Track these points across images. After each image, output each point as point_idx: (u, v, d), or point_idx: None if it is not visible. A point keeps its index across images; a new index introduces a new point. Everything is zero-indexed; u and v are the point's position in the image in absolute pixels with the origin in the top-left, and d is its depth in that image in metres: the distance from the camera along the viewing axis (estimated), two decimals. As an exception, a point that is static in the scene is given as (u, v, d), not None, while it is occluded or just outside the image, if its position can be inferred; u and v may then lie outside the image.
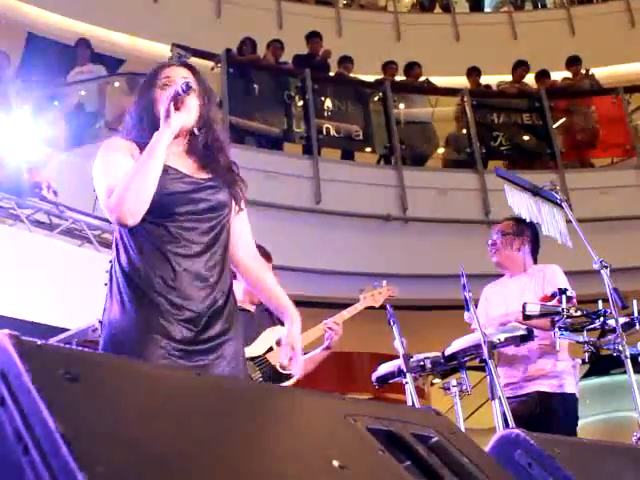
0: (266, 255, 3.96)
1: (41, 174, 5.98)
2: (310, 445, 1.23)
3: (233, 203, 2.55)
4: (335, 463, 1.16)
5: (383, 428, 1.38)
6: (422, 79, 10.51)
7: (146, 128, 2.47)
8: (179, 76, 2.48)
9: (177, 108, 2.39)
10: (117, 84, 8.94)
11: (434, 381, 7.11)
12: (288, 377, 3.84)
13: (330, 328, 4.04)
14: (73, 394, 0.97)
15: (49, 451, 0.87)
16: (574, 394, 3.99)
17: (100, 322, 2.50)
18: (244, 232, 2.65)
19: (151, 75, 2.57)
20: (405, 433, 1.40)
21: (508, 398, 3.64)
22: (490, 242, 4.28)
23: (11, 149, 5.73)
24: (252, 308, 3.98)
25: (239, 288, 3.86)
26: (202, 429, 1.10)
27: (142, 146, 2.41)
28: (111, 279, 2.43)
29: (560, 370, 3.98)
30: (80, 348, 1.19)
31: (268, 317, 4.00)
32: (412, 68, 10.41)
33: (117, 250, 2.44)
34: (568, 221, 3.98)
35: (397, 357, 3.90)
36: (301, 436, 1.26)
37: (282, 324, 3.97)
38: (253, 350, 3.79)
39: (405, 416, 1.49)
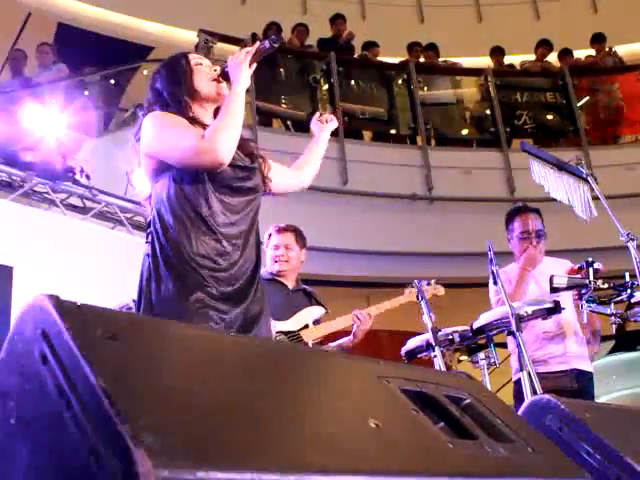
0: (302, 238, 4.04)
1: (74, 159, 6.09)
2: (346, 405, 1.23)
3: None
4: (371, 422, 1.16)
5: (416, 389, 1.38)
6: (442, 60, 10.53)
7: (176, 100, 2.54)
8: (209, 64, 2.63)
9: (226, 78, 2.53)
10: (145, 72, 9.01)
11: (461, 358, 7.15)
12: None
13: (358, 317, 4.03)
14: (112, 352, 0.99)
15: (91, 406, 0.89)
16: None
17: (135, 302, 2.47)
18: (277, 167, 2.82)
19: (180, 57, 2.65)
20: (438, 394, 1.40)
21: (540, 374, 3.61)
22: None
23: (45, 135, 5.84)
24: (290, 285, 4.00)
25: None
26: (240, 386, 1.10)
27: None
28: (153, 259, 2.42)
29: (585, 350, 4.09)
30: (117, 310, 1.23)
31: (304, 297, 4.05)
32: (428, 50, 10.44)
33: (156, 232, 2.45)
34: (595, 198, 3.93)
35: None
36: (337, 396, 1.26)
37: (318, 304, 4.05)
38: (288, 325, 3.81)
39: (438, 379, 1.49)
